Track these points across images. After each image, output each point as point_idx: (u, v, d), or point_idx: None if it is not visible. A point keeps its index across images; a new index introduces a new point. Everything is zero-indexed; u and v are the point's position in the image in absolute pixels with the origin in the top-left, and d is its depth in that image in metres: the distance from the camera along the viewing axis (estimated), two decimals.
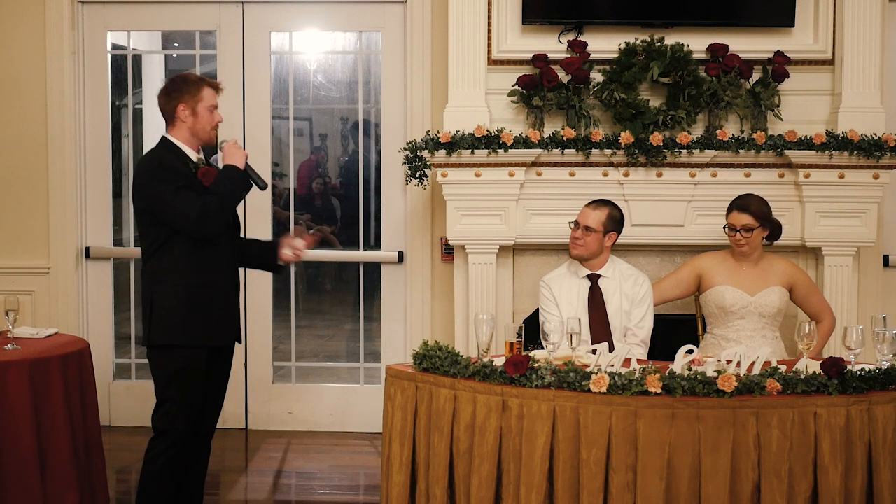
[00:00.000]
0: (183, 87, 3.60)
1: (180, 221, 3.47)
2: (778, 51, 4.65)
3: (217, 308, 3.60)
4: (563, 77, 4.64)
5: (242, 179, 3.60)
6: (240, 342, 3.78)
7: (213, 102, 3.62)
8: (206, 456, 3.83)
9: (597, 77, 4.67)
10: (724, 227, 4.20)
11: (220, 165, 3.66)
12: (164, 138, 3.64)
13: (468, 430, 3.16)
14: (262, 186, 3.68)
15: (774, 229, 4.18)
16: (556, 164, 4.61)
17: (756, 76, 4.67)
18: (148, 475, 3.57)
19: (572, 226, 4.07)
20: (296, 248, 3.77)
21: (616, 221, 4.07)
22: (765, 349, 3.43)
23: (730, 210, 4.17)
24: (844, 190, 4.57)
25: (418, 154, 4.55)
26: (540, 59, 4.64)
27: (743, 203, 4.16)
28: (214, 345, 3.61)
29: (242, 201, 3.92)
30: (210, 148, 3.85)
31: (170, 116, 3.62)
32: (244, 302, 5.36)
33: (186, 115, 3.58)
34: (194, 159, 3.61)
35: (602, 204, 4.07)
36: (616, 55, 4.63)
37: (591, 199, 4.15)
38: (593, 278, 4.06)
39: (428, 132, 4.59)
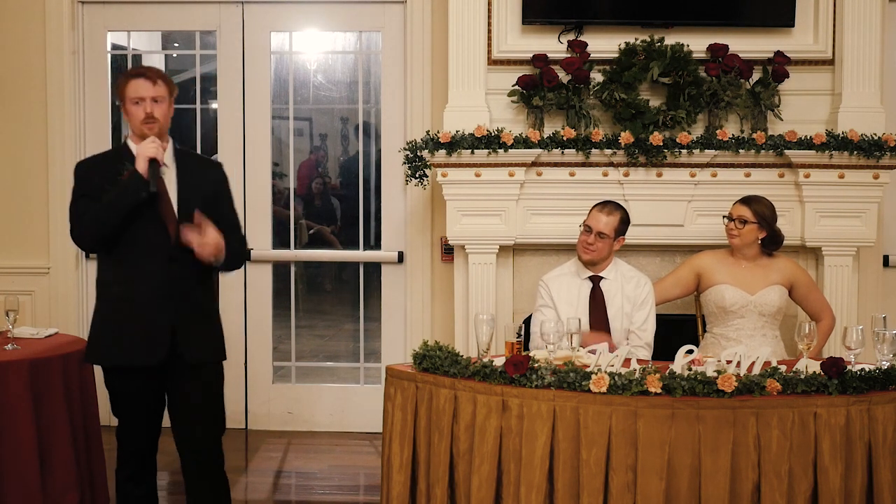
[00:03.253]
0: (115, 86, 3.41)
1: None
2: (778, 51, 4.65)
3: (134, 323, 3.29)
4: (563, 77, 4.64)
5: (133, 186, 3.23)
6: (184, 358, 3.33)
7: (138, 94, 3.27)
8: (214, 485, 3.48)
9: (597, 77, 4.67)
10: (723, 217, 4.21)
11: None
12: (122, 142, 3.45)
13: (468, 430, 3.16)
14: (150, 190, 3.23)
15: (773, 235, 4.17)
16: (556, 164, 4.61)
17: (756, 76, 4.67)
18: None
19: (582, 228, 4.05)
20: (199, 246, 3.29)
21: (626, 224, 4.06)
22: (765, 349, 3.43)
23: (734, 202, 4.19)
24: (844, 190, 4.57)
25: (418, 154, 4.55)
26: (540, 59, 4.65)
27: (747, 197, 4.19)
28: (127, 365, 3.31)
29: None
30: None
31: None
32: (244, 302, 5.36)
33: (124, 114, 3.36)
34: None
35: (614, 209, 4.05)
36: (616, 55, 4.64)
37: (599, 201, 4.12)
38: (595, 279, 4.06)
39: (428, 132, 4.59)
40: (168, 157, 3.37)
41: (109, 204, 3.25)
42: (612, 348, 3.41)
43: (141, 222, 3.28)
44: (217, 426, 3.50)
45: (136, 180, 3.23)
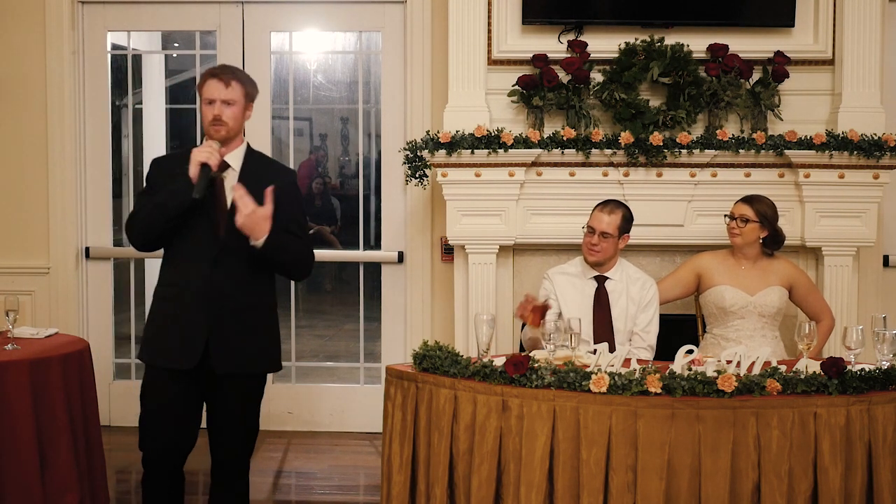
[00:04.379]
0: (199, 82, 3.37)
1: None
2: (778, 51, 4.65)
3: (172, 325, 3.28)
4: (563, 77, 4.64)
5: (182, 190, 3.19)
6: (214, 369, 3.27)
7: (210, 95, 3.27)
8: (236, 490, 3.46)
9: (597, 77, 4.67)
10: (725, 216, 4.21)
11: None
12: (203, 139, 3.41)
13: (468, 430, 3.16)
14: (192, 196, 3.18)
15: (774, 234, 4.17)
16: (556, 164, 4.61)
17: (756, 76, 4.67)
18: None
19: (585, 230, 4.05)
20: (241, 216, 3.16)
21: (629, 222, 4.05)
22: (765, 349, 3.43)
23: (736, 201, 4.19)
24: (844, 190, 4.57)
25: (418, 154, 4.55)
26: (540, 59, 4.65)
27: (749, 196, 4.20)
28: (161, 366, 3.29)
29: None
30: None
31: None
32: None
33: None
34: None
35: (615, 207, 4.05)
36: (616, 55, 4.63)
37: (600, 200, 4.11)
38: (600, 280, 4.05)
39: (428, 132, 4.59)
40: (235, 159, 3.33)
41: (156, 207, 3.23)
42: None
43: (193, 224, 3.24)
44: (247, 439, 3.44)
45: (185, 185, 3.19)
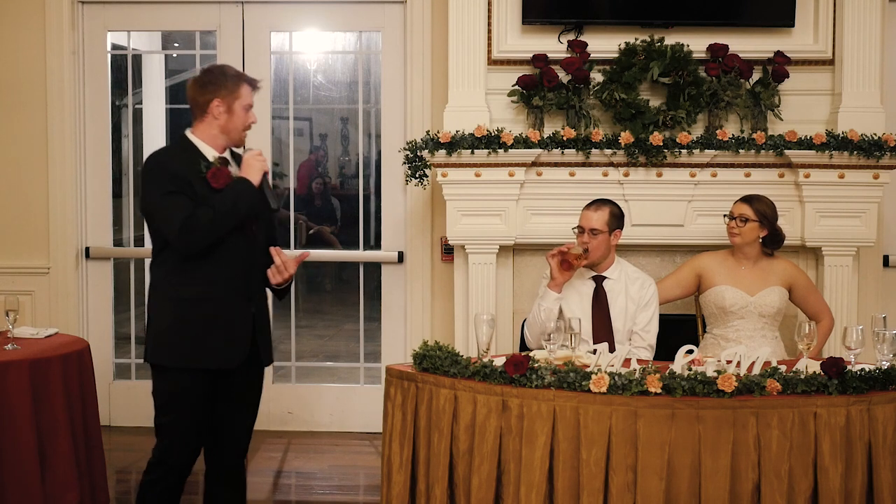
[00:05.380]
0: (221, 81, 3.28)
1: (165, 230, 3.19)
2: (778, 51, 4.65)
3: (216, 326, 3.25)
4: (563, 77, 4.64)
5: (249, 197, 3.23)
6: (261, 363, 3.40)
7: (250, 101, 3.32)
8: (238, 487, 3.55)
9: (597, 77, 4.67)
10: (724, 215, 4.21)
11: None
12: (181, 136, 3.34)
13: (468, 430, 3.16)
14: (272, 208, 3.34)
15: (774, 234, 4.17)
16: (556, 164, 4.61)
17: (756, 76, 4.67)
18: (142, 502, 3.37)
19: (576, 231, 4.05)
20: (277, 271, 3.36)
21: (618, 218, 4.05)
22: (765, 349, 3.43)
23: (735, 201, 4.19)
24: (844, 190, 4.57)
25: (418, 154, 4.55)
26: (540, 59, 4.65)
27: (748, 196, 4.19)
28: (210, 368, 3.25)
29: None
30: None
31: (200, 110, 3.29)
32: None
33: (220, 112, 3.27)
34: (210, 159, 3.26)
35: (601, 203, 4.05)
36: (616, 55, 4.63)
37: (589, 201, 4.13)
38: (598, 280, 4.05)
39: (428, 132, 4.59)
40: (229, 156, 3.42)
41: (227, 213, 3.19)
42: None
43: None
44: (252, 425, 3.56)
45: (247, 190, 3.24)
